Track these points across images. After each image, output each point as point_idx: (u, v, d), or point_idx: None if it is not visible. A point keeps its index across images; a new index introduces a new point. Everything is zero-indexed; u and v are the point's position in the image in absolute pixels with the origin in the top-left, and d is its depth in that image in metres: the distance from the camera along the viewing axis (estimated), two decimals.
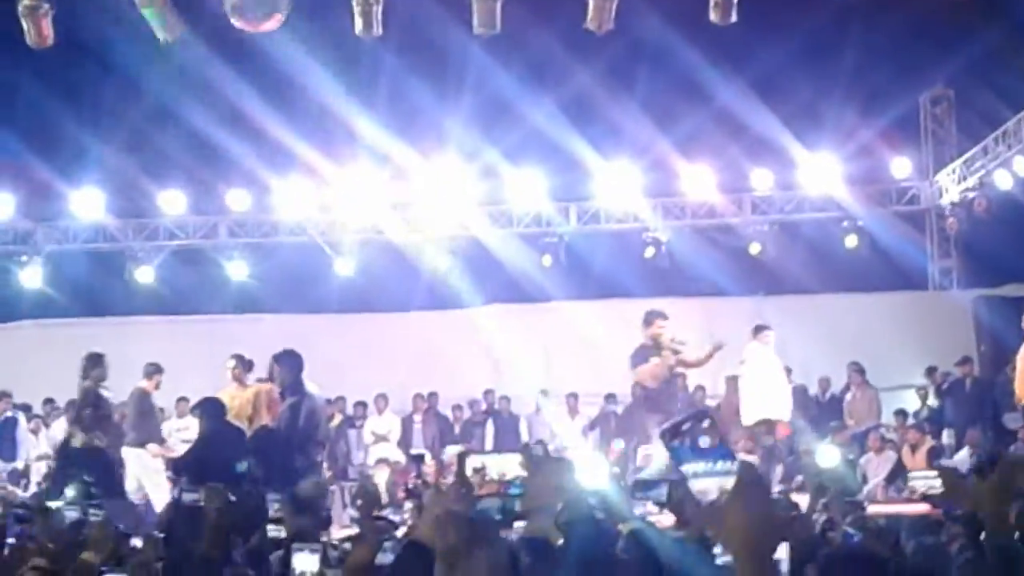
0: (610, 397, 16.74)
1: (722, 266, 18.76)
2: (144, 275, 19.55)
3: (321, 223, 19.62)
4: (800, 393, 16.22)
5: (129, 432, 12.55)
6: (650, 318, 12.33)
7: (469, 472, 11.24)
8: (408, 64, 16.21)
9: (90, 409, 11.77)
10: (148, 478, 12.43)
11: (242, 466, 9.13)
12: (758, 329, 14.09)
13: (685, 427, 1.83)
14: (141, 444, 12.54)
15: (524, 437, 17.14)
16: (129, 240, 19.66)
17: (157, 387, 12.82)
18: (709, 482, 1.84)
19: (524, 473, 2.95)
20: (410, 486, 11.43)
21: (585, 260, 19.48)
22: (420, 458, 12.77)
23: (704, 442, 1.83)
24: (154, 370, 12.77)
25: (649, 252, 19.22)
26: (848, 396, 16.40)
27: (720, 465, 1.82)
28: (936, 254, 19.89)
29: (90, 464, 11.17)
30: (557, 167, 18.49)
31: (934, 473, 8.83)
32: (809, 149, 18.31)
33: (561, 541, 2.78)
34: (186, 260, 19.98)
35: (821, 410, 16.45)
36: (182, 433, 15.86)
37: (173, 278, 19.63)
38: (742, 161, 18.63)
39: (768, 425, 13.97)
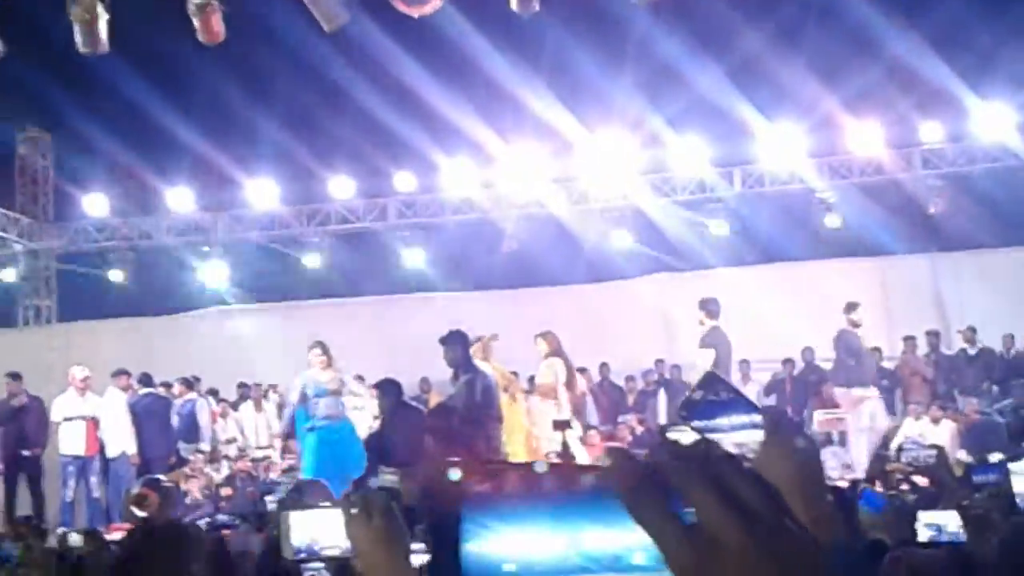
0: (787, 362, 16.50)
1: (892, 224, 18.29)
2: (315, 261, 20.09)
3: (486, 200, 19.81)
4: (987, 354, 15.79)
5: None
6: None
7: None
8: (572, 35, 16.21)
9: None
10: None
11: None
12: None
13: (697, 396, 1.74)
14: None
15: None
16: (303, 226, 20.22)
17: None
18: (737, 437, 1.74)
19: None
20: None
21: (749, 225, 19.22)
22: (566, 423, 12.52)
23: (721, 398, 1.75)
24: None
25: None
26: None
27: (744, 418, 1.72)
28: None
29: None
30: (720, 132, 18.26)
31: None
32: (982, 99, 17.63)
33: None
34: (354, 243, 20.43)
35: (1007, 368, 15.92)
36: (357, 413, 16.30)
37: (342, 262, 20.08)
38: (911, 115, 18.06)
39: None
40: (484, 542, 0.85)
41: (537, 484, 0.92)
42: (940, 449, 7.56)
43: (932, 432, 13.09)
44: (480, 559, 0.88)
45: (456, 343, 11.59)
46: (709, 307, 12.84)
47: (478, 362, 11.88)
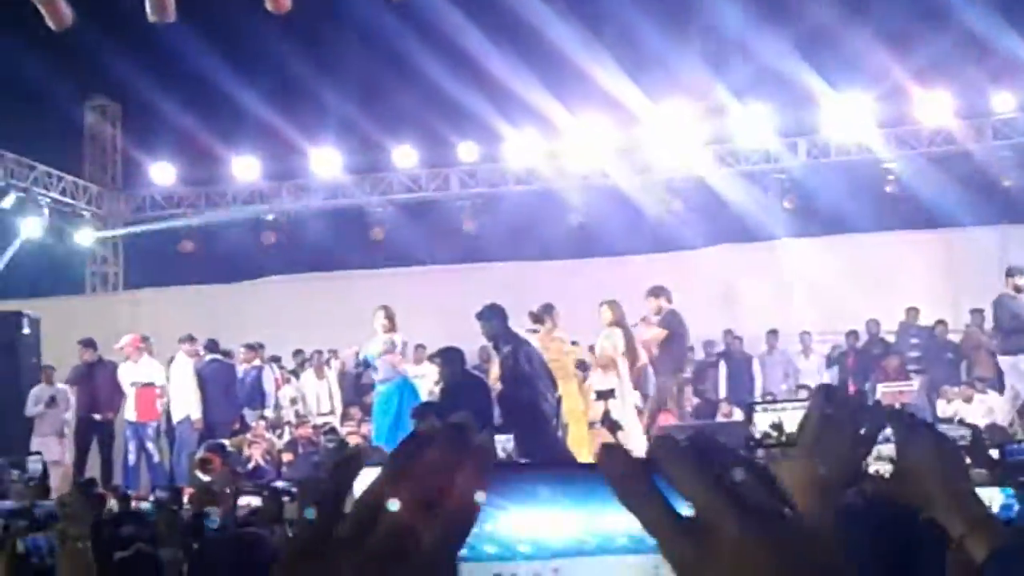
0: (851, 334, 16.32)
1: (961, 195, 17.99)
2: (378, 230, 20.22)
3: (549, 170, 19.79)
4: None
5: None
6: None
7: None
8: (637, 4, 16.12)
9: None
10: None
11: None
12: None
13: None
14: None
15: (757, 379, 16.94)
16: (366, 195, 20.35)
17: None
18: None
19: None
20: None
21: (814, 195, 19.01)
22: (610, 393, 12.48)
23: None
24: None
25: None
26: None
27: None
28: None
29: None
30: (786, 102, 18.07)
31: None
32: None
33: None
34: (417, 213, 20.52)
35: None
36: (419, 381, 16.37)
37: (405, 231, 20.17)
38: (983, 85, 17.73)
39: None
40: (496, 522, 0.85)
41: (553, 464, 0.92)
42: (975, 428, 7.46)
43: (966, 412, 13.05)
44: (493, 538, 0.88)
45: (492, 316, 11.51)
46: (666, 293, 13.52)
47: (518, 331, 11.81)
